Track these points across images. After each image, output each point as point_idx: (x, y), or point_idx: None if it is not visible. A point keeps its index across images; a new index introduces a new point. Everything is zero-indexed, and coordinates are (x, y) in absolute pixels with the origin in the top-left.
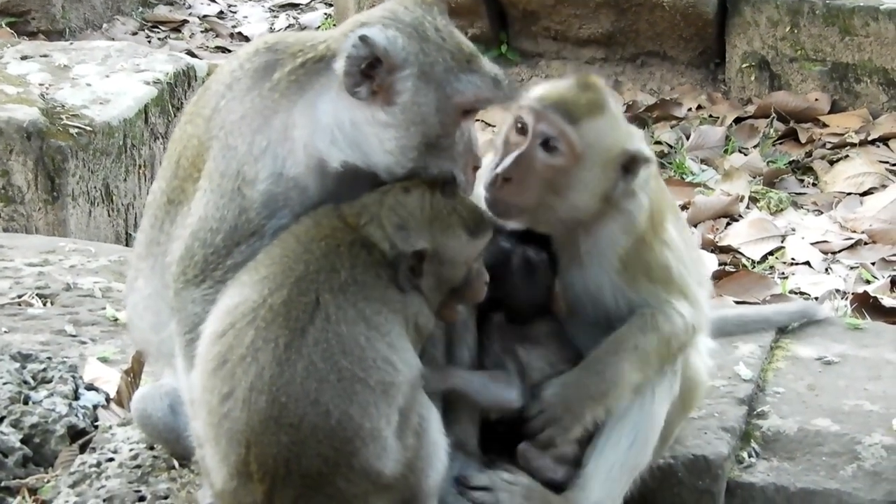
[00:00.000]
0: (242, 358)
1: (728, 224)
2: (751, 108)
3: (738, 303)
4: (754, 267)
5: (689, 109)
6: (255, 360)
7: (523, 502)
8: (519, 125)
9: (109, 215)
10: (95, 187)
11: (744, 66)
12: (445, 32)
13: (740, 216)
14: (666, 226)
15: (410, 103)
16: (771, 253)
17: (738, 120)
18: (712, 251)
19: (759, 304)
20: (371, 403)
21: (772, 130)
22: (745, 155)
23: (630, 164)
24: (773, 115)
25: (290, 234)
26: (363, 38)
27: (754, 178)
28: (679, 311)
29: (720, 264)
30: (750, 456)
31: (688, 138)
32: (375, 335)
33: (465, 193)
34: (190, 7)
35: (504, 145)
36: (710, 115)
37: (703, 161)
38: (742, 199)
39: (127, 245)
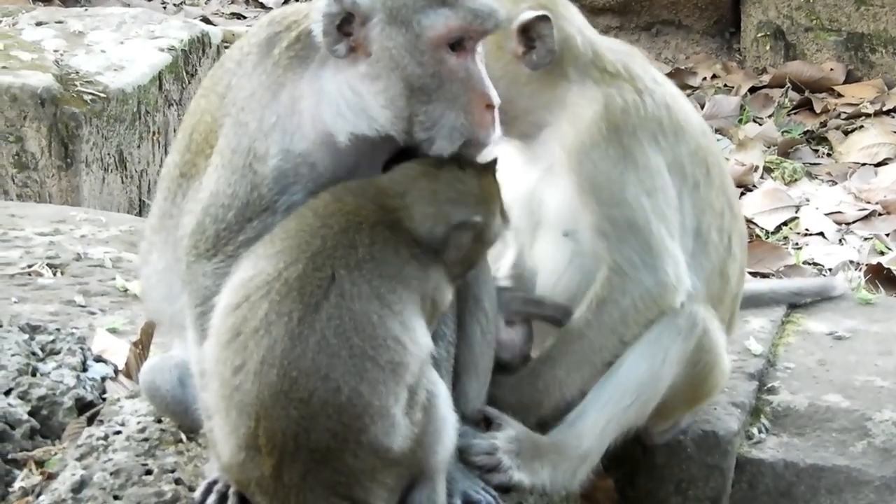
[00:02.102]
0: (255, 331)
1: (742, 194)
2: (766, 78)
3: (751, 273)
4: (768, 237)
5: (704, 79)
6: (268, 333)
7: (516, 458)
8: None
9: (123, 182)
10: (109, 154)
11: (759, 35)
12: None
13: (754, 186)
14: (641, 143)
15: (382, 50)
16: (785, 223)
17: (752, 89)
18: None
19: (772, 274)
20: (380, 381)
21: (786, 100)
22: (760, 125)
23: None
24: (788, 84)
25: (307, 209)
26: None
27: (769, 147)
28: (637, 272)
29: None
30: (760, 432)
31: (702, 108)
32: (388, 313)
33: (478, 137)
34: None
35: None
36: (725, 85)
37: (717, 131)
38: (756, 169)
39: (140, 213)
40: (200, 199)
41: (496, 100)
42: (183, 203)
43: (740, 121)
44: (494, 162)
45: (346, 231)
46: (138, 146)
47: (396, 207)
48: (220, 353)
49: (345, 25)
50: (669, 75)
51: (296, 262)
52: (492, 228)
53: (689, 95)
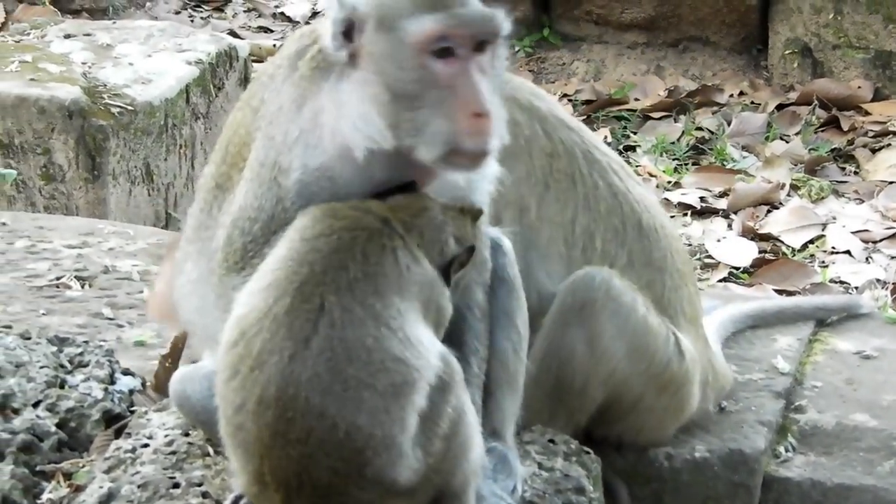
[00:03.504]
0: (251, 370)
1: (769, 211)
2: (793, 95)
3: (777, 291)
4: (794, 255)
5: (731, 95)
6: (262, 372)
7: None
8: None
9: (149, 195)
10: (136, 166)
11: (786, 52)
12: None
13: (781, 204)
14: None
15: (369, 55)
16: (811, 241)
17: (779, 107)
18: (752, 238)
19: (798, 292)
20: (382, 409)
21: (814, 118)
22: (787, 142)
23: None
24: (815, 102)
25: (295, 232)
26: (339, 1)
27: (795, 165)
28: None
29: (760, 252)
30: (787, 450)
31: (729, 125)
32: (386, 333)
33: (465, 145)
34: None
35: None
36: (752, 102)
37: (744, 148)
38: (783, 186)
39: (166, 226)
40: (231, 211)
41: (486, 108)
42: (218, 215)
43: (767, 138)
44: (480, 212)
45: (336, 251)
46: (165, 159)
47: (410, 222)
48: (222, 391)
49: (350, 32)
50: (696, 92)
51: (283, 295)
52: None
53: (715, 112)
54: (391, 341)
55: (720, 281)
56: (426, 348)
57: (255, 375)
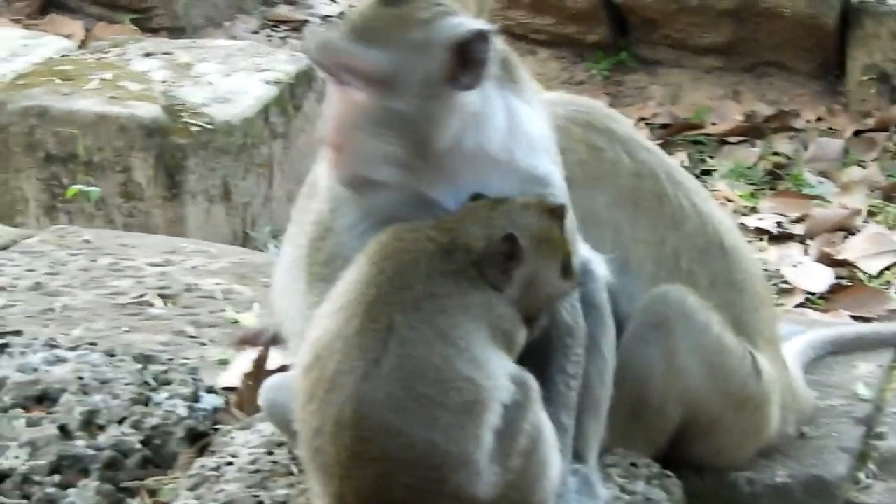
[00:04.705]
0: (327, 393)
1: (845, 237)
2: (870, 121)
3: (853, 317)
4: (871, 281)
5: (808, 121)
6: (337, 394)
7: None
8: None
9: (227, 214)
10: (214, 185)
11: (864, 78)
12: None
13: (858, 230)
14: None
15: None
16: (888, 268)
17: (857, 132)
18: (828, 264)
19: (875, 318)
20: (455, 427)
21: (891, 144)
22: (864, 168)
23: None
24: (893, 128)
25: (364, 256)
26: None
27: (872, 191)
28: None
29: (837, 278)
30: (867, 477)
31: (806, 150)
32: (454, 352)
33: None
34: (311, 7)
35: None
36: (829, 127)
37: (820, 173)
38: (860, 212)
39: (244, 244)
40: (313, 209)
41: (329, 140)
42: (310, 204)
43: (844, 164)
44: (562, 208)
45: (400, 272)
46: (243, 178)
47: (453, 234)
48: (301, 415)
49: None
50: (773, 117)
51: (353, 316)
52: (547, 274)
53: (792, 138)
54: (460, 361)
55: (796, 306)
56: (495, 369)
57: (331, 398)
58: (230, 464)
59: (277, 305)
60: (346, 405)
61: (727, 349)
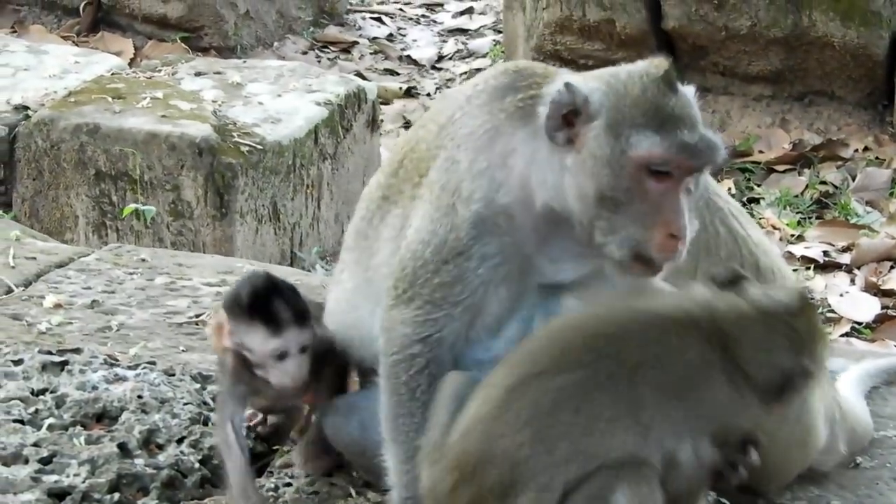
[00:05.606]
0: None
1: (892, 267)
2: None
3: None
4: None
5: (856, 150)
6: None
7: None
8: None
9: (276, 234)
10: (263, 205)
11: None
12: (652, 93)
13: None
14: None
15: (589, 153)
16: None
17: None
18: (875, 294)
19: None
20: None
21: None
22: None
23: None
24: None
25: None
26: (567, 86)
27: None
28: None
29: (883, 308)
30: None
31: (853, 179)
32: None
33: (651, 255)
34: (360, 29)
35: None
36: (877, 157)
37: (868, 203)
38: None
39: (291, 264)
40: (406, 234)
41: (684, 233)
42: (380, 226)
43: (892, 194)
44: (809, 299)
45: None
46: (292, 198)
47: (732, 338)
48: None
49: (570, 116)
50: (821, 146)
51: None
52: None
53: (840, 167)
54: None
55: (842, 336)
56: None
57: None
58: (289, 485)
59: (341, 316)
60: None
61: None
